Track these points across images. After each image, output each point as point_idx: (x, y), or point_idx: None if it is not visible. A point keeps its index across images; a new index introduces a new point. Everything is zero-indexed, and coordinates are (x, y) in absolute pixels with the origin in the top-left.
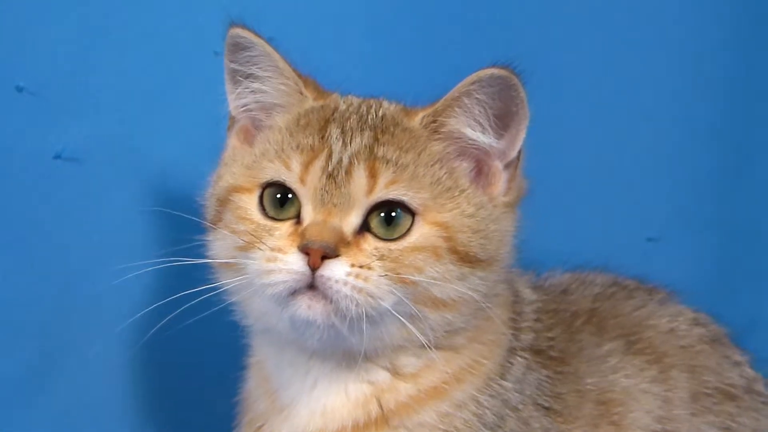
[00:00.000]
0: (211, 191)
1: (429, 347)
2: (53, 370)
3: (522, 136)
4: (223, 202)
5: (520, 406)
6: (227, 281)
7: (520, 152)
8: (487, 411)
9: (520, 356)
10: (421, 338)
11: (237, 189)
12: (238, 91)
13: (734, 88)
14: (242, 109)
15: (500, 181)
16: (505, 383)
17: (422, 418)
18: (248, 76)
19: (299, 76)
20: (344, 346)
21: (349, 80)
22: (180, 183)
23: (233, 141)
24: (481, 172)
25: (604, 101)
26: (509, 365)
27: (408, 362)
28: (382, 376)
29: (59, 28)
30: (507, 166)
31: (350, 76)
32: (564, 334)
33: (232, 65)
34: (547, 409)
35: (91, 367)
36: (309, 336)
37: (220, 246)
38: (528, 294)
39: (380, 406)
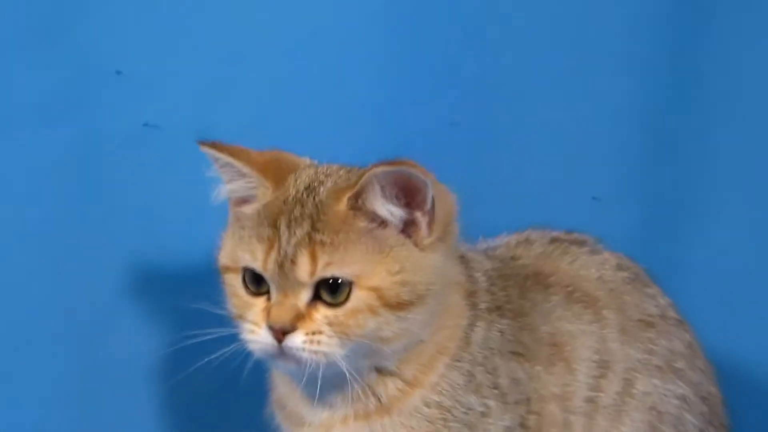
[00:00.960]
0: (221, 248)
1: (393, 363)
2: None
3: (429, 197)
4: (221, 275)
5: (487, 360)
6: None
7: (432, 202)
8: (458, 376)
9: (480, 320)
10: (385, 363)
11: (227, 269)
12: (222, 186)
13: (671, 56)
14: (229, 197)
15: (422, 227)
16: (470, 348)
17: (413, 404)
18: (227, 179)
19: (261, 169)
20: (325, 378)
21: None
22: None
23: (231, 216)
24: (405, 226)
25: (549, 65)
26: (472, 333)
27: (388, 365)
28: (371, 377)
29: (150, 22)
30: (425, 214)
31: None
32: (518, 295)
33: (213, 169)
34: (511, 353)
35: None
36: (295, 379)
37: (228, 304)
38: (482, 264)
39: (378, 399)
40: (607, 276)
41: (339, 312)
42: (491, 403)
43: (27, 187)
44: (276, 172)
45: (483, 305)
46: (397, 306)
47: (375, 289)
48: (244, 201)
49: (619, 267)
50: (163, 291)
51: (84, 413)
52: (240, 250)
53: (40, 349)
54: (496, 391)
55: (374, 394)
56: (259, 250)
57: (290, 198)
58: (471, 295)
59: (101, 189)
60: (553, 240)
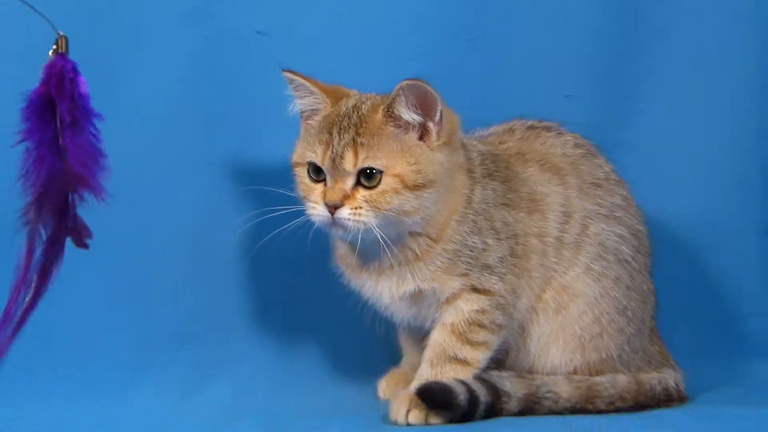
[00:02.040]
0: (295, 149)
1: (419, 229)
2: None
3: (438, 110)
4: (293, 168)
5: (484, 211)
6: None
7: (441, 116)
8: (465, 226)
9: (477, 184)
10: (413, 228)
11: (297, 165)
12: (296, 102)
13: None
14: (301, 111)
15: (432, 134)
16: (472, 205)
17: (437, 252)
18: (299, 96)
19: (324, 90)
20: (366, 241)
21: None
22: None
23: (302, 129)
24: (423, 132)
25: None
26: (472, 195)
27: (416, 229)
28: (406, 239)
29: None
30: (435, 124)
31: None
32: (504, 167)
33: (289, 89)
34: (502, 204)
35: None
36: (347, 241)
37: (297, 189)
38: (476, 148)
39: (414, 252)
40: (568, 152)
41: (373, 193)
42: (490, 240)
43: (166, 74)
44: (334, 94)
45: (478, 174)
46: (413, 187)
47: (398, 176)
48: (310, 116)
49: (577, 145)
50: (254, 180)
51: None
52: (307, 150)
53: (159, 231)
54: (492, 231)
55: (410, 249)
56: (320, 151)
57: (341, 113)
58: (470, 171)
59: (221, 83)
60: (530, 127)
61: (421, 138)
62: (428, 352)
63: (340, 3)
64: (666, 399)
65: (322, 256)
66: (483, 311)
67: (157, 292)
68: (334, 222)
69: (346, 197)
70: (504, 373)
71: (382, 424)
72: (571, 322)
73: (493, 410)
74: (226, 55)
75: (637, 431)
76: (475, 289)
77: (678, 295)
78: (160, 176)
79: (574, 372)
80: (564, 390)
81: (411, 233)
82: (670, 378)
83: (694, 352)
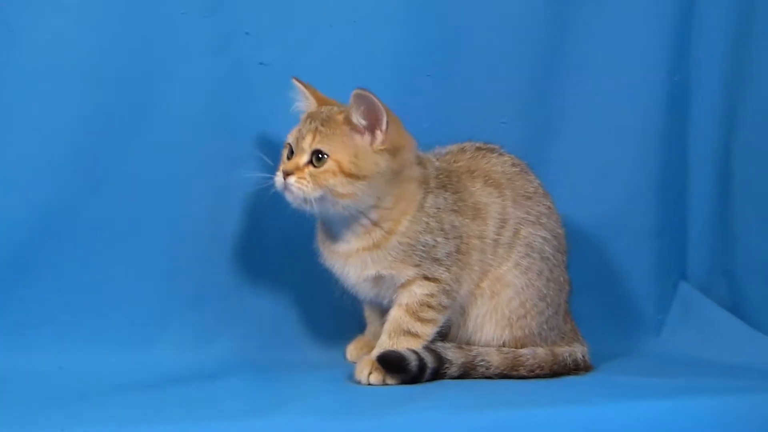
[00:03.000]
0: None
1: (364, 214)
2: None
3: (383, 120)
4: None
5: (436, 214)
6: None
7: (387, 126)
8: (417, 225)
9: (431, 193)
10: (345, 208)
11: (284, 147)
12: (296, 104)
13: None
14: (299, 109)
15: (377, 139)
16: (424, 209)
17: (392, 243)
18: (298, 99)
19: (316, 98)
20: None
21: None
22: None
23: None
24: (372, 137)
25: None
26: (425, 201)
27: (374, 218)
28: (367, 226)
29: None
30: (382, 132)
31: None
32: (456, 181)
33: (293, 92)
34: (451, 210)
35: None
36: (293, 205)
37: None
38: (432, 164)
39: (372, 240)
40: (507, 170)
41: (318, 171)
42: (439, 239)
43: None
44: (323, 101)
45: (433, 185)
46: (348, 174)
47: (338, 161)
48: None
49: (513, 164)
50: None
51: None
52: (289, 135)
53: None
54: (442, 232)
55: (370, 236)
56: (294, 133)
57: (318, 111)
58: (424, 182)
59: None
60: (477, 149)
61: (368, 138)
62: (387, 326)
63: (314, 37)
64: (575, 368)
65: (305, 241)
66: (432, 295)
67: (173, 264)
68: (286, 187)
69: (298, 169)
70: (447, 344)
71: (348, 382)
72: (502, 305)
73: (438, 374)
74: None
75: (554, 391)
76: (426, 278)
77: (587, 283)
78: (180, 172)
79: (503, 345)
80: (495, 359)
81: (372, 222)
82: (578, 351)
83: (598, 329)
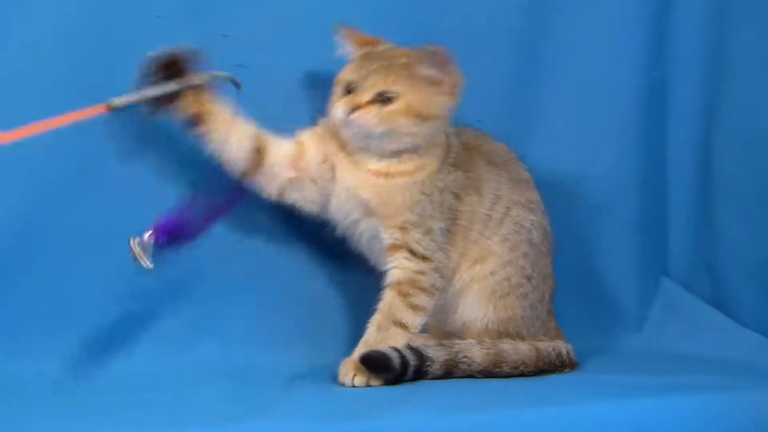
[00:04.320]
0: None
1: (407, 151)
2: None
3: (452, 68)
4: (333, 88)
5: (443, 190)
6: None
7: (452, 73)
8: (429, 186)
9: (447, 167)
10: (402, 145)
11: (337, 83)
12: (343, 49)
13: None
14: (346, 54)
15: (444, 85)
16: (439, 176)
17: (406, 180)
18: (343, 45)
19: (357, 40)
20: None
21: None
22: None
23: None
24: (434, 81)
25: None
26: (442, 170)
27: (400, 157)
28: (391, 161)
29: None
30: (449, 77)
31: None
32: (468, 159)
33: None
34: (452, 193)
35: None
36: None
37: (329, 105)
38: (454, 141)
39: (390, 171)
40: (503, 154)
41: (384, 109)
42: (436, 213)
43: None
44: (363, 41)
45: (449, 161)
46: (417, 115)
47: (408, 103)
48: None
49: (508, 150)
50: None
51: None
52: (346, 73)
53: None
54: (439, 207)
55: (392, 166)
56: (356, 72)
57: (379, 51)
58: (446, 152)
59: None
60: (483, 134)
61: (433, 83)
62: (378, 315)
63: (291, 37)
64: (560, 365)
65: (289, 243)
66: (423, 272)
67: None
68: (348, 122)
69: (360, 106)
70: (428, 342)
71: (333, 385)
72: (486, 275)
73: (420, 372)
74: None
75: (536, 391)
76: (415, 254)
77: (569, 280)
78: (159, 174)
79: (487, 327)
80: (477, 355)
81: (398, 156)
82: (562, 347)
83: (580, 326)
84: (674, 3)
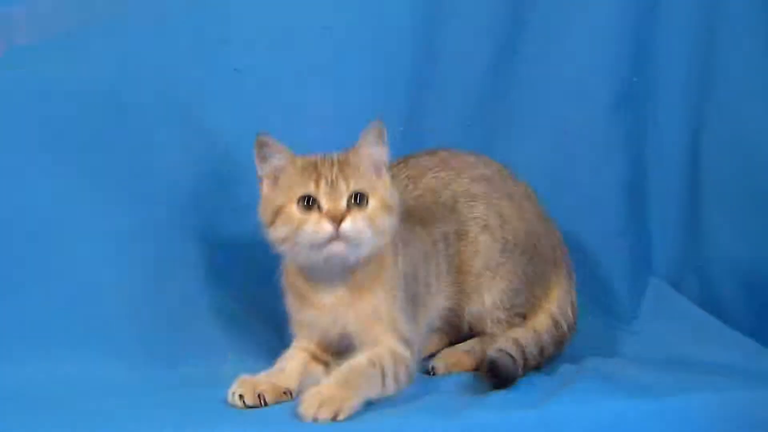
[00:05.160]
0: (264, 209)
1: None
2: None
3: (386, 152)
4: (275, 217)
5: (406, 274)
6: (285, 247)
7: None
8: (397, 278)
9: (397, 251)
10: (380, 246)
11: (281, 208)
12: (264, 164)
13: None
14: (269, 171)
15: (383, 172)
16: (398, 263)
17: (375, 288)
18: (270, 156)
19: (287, 152)
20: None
21: None
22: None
23: (267, 186)
24: (378, 170)
25: None
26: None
27: (368, 265)
28: (353, 274)
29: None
30: (385, 164)
31: None
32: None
33: (260, 152)
34: (413, 267)
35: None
36: (341, 257)
37: (280, 230)
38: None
39: (358, 285)
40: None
41: (366, 211)
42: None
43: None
44: (294, 155)
45: (400, 246)
46: (388, 209)
47: (379, 197)
48: (276, 175)
49: (502, 170)
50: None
51: None
52: (294, 189)
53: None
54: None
55: (358, 284)
56: (311, 183)
57: (318, 158)
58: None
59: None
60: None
61: (382, 167)
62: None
63: (287, 44)
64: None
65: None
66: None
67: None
68: (339, 235)
69: (345, 214)
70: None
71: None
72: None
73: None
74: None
75: (524, 391)
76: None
77: None
78: (154, 181)
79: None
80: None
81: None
82: (558, 316)
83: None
84: (660, 7)
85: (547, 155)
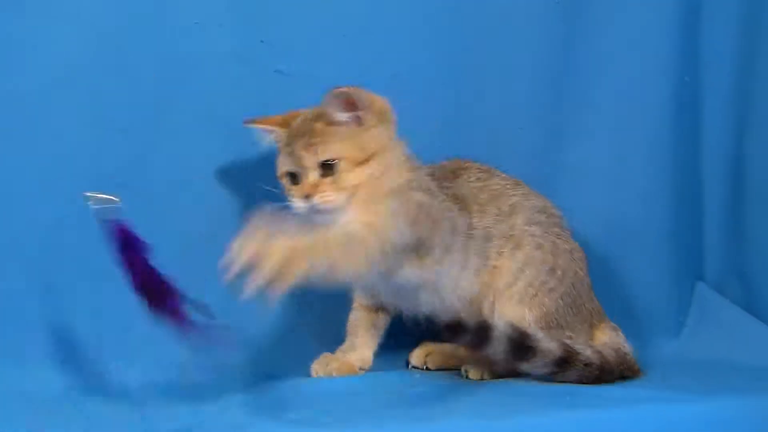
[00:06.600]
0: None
1: None
2: None
3: (363, 101)
4: (280, 183)
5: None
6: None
7: (366, 103)
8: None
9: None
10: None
11: (279, 178)
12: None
13: None
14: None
15: (365, 118)
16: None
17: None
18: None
19: (271, 123)
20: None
21: None
22: None
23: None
24: (356, 120)
25: None
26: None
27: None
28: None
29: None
30: (365, 111)
31: None
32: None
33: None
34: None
35: None
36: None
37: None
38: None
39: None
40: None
41: (336, 178)
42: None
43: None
44: (284, 122)
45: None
46: (360, 163)
47: (347, 158)
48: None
49: (517, 183)
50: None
51: None
52: (280, 164)
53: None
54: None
55: None
56: (288, 159)
57: (294, 128)
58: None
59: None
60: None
61: (356, 125)
62: None
63: (328, 45)
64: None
65: None
66: None
67: None
68: (314, 209)
69: (315, 187)
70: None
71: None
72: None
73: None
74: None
75: (572, 397)
76: None
77: (603, 287)
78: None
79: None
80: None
81: None
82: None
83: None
84: (705, 7)
85: (597, 156)
